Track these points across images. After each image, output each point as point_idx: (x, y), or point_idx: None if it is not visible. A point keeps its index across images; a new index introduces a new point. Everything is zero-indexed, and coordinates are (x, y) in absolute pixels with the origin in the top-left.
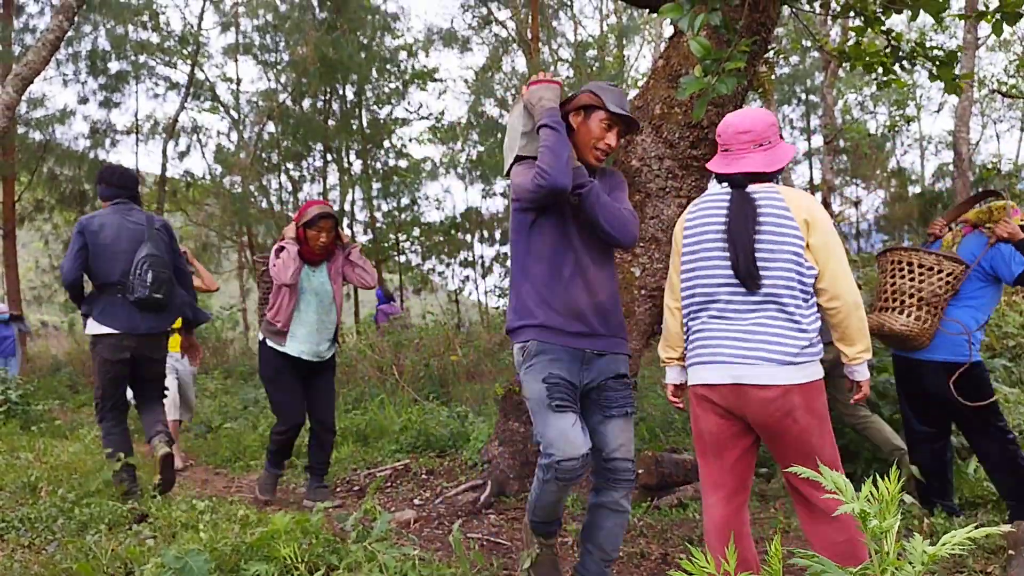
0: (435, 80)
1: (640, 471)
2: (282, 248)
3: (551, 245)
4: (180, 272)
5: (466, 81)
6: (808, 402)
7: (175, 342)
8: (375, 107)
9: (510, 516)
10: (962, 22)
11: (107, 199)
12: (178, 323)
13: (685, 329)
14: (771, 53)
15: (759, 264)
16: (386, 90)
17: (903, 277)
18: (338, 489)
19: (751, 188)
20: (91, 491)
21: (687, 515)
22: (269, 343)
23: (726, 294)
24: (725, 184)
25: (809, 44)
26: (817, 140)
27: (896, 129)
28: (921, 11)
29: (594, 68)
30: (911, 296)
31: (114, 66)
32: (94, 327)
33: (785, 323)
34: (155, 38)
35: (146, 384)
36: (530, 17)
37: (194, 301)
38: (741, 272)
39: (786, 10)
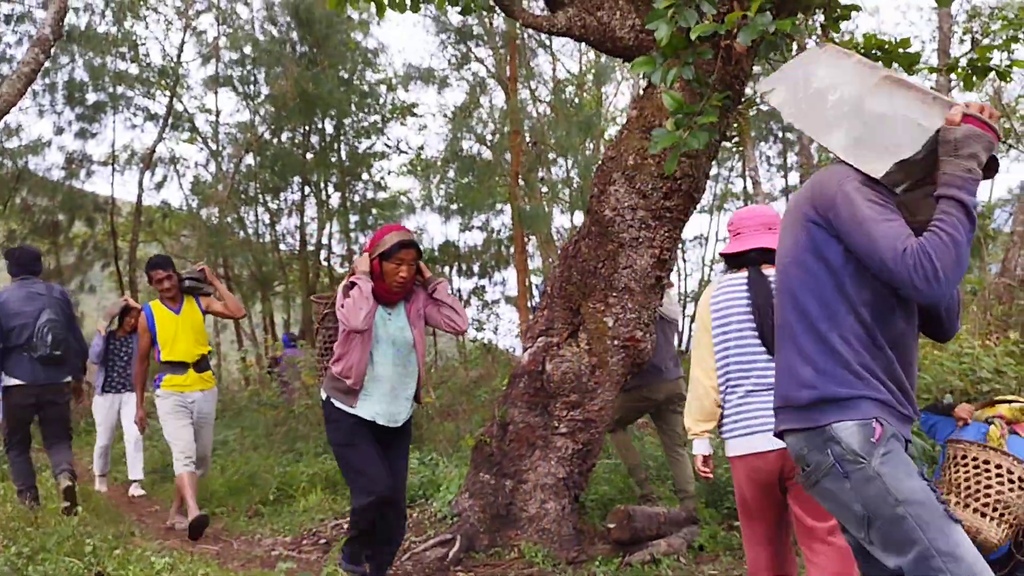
0: (414, 115)
1: (611, 526)
2: (353, 285)
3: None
4: (75, 332)
5: (445, 115)
6: None
7: (195, 379)
8: (354, 141)
9: (479, 573)
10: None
11: (14, 276)
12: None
13: (722, 403)
14: (747, 105)
15: None
16: (365, 124)
17: (1001, 484)
18: (304, 541)
19: (765, 270)
20: (46, 547)
21: (659, 571)
22: (336, 403)
23: (761, 367)
24: (735, 270)
25: None
26: (793, 178)
27: None
28: (895, 63)
29: (571, 107)
30: (1006, 508)
31: (91, 97)
32: (6, 380)
33: None
34: (134, 69)
35: (51, 425)
36: (508, 56)
37: (84, 354)
38: (771, 344)
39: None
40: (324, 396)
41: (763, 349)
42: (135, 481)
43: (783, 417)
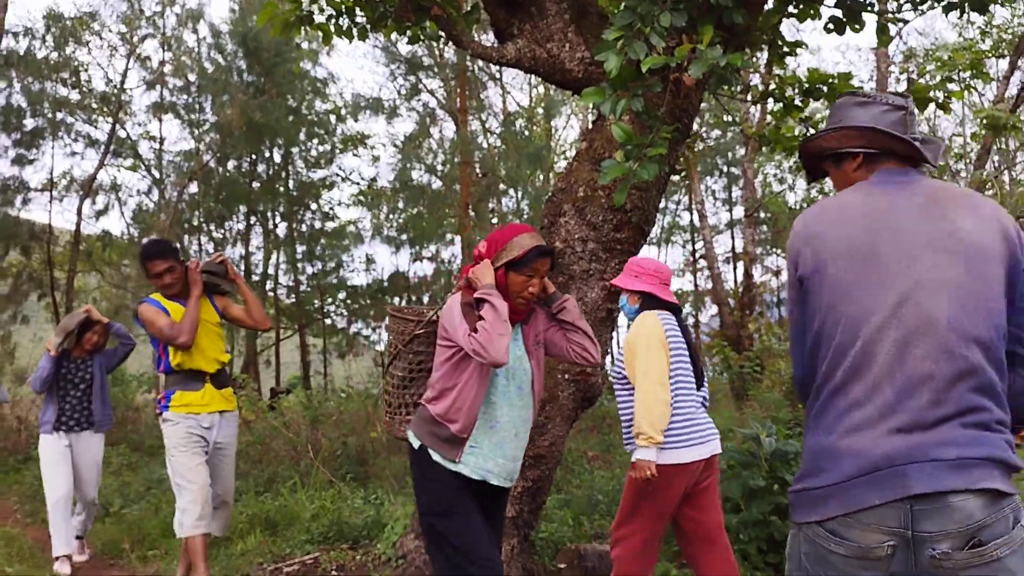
0: (366, 146)
1: (562, 566)
2: (481, 302)
3: None
4: None
5: (395, 145)
6: None
7: (213, 397)
8: (304, 170)
9: None
10: None
11: None
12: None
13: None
14: (692, 139)
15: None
16: (314, 153)
17: None
18: None
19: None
20: None
21: None
22: (435, 456)
23: (695, 392)
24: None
25: (729, 119)
26: (739, 211)
27: (813, 204)
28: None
29: (521, 139)
30: None
31: (30, 123)
32: None
33: None
34: (75, 95)
35: None
36: (458, 88)
37: None
38: (701, 375)
39: (709, 95)
40: (416, 444)
41: (694, 379)
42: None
43: (988, 473)
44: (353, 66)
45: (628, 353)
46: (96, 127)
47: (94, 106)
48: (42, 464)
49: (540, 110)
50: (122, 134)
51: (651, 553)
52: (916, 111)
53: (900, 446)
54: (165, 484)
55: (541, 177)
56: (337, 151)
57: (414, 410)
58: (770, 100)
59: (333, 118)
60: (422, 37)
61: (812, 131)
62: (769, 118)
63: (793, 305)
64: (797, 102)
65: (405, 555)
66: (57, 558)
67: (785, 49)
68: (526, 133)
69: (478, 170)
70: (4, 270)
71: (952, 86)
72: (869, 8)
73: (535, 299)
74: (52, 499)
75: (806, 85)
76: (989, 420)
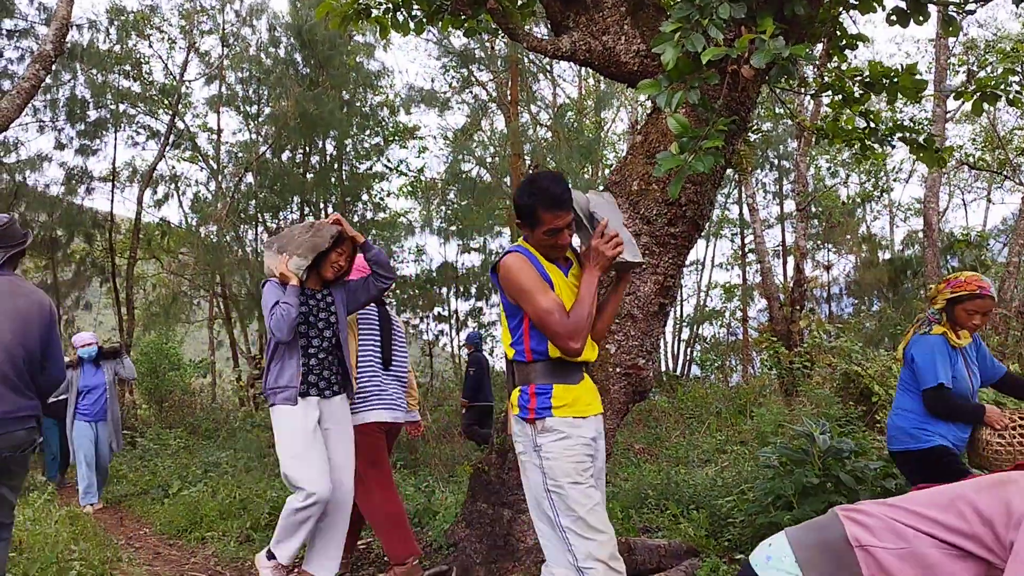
0: (416, 138)
1: None
2: None
3: None
4: None
5: (446, 138)
6: None
7: (590, 393)
8: (355, 161)
9: None
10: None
11: None
12: None
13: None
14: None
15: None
16: (366, 145)
17: None
18: (295, 571)
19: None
20: (30, 574)
21: None
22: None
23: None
24: None
25: (781, 112)
26: (790, 205)
27: (868, 198)
28: (899, 92)
29: (571, 130)
30: None
31: (93, 114)
32: None
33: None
34: (137, 87)
35: None
36: (510, 80)
37: None
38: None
39: (764, 88)
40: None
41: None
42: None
43: None
44: (405, 59)
45: None
46: (156, 119)
47: (155, 98)
48: (284, 451)
49: (590, 103)
50: (181, 126)
51: (393, 487)
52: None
53: None
54: (222, 467)
55: (590, 170)
56: (389, 142)
57: None
58: (828, 93)
59: (385, 110)
60: (477, 30)
61: (873, 124)
62: (825, 110)
63: None
64: (858, 96)
65: (456, 542)
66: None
67: (845, 42)
68: (576, 126)
69: (528, 162)
70: (68, 257)
71: (1015, 79)
72: None
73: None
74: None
75: (867, 79)
76: None
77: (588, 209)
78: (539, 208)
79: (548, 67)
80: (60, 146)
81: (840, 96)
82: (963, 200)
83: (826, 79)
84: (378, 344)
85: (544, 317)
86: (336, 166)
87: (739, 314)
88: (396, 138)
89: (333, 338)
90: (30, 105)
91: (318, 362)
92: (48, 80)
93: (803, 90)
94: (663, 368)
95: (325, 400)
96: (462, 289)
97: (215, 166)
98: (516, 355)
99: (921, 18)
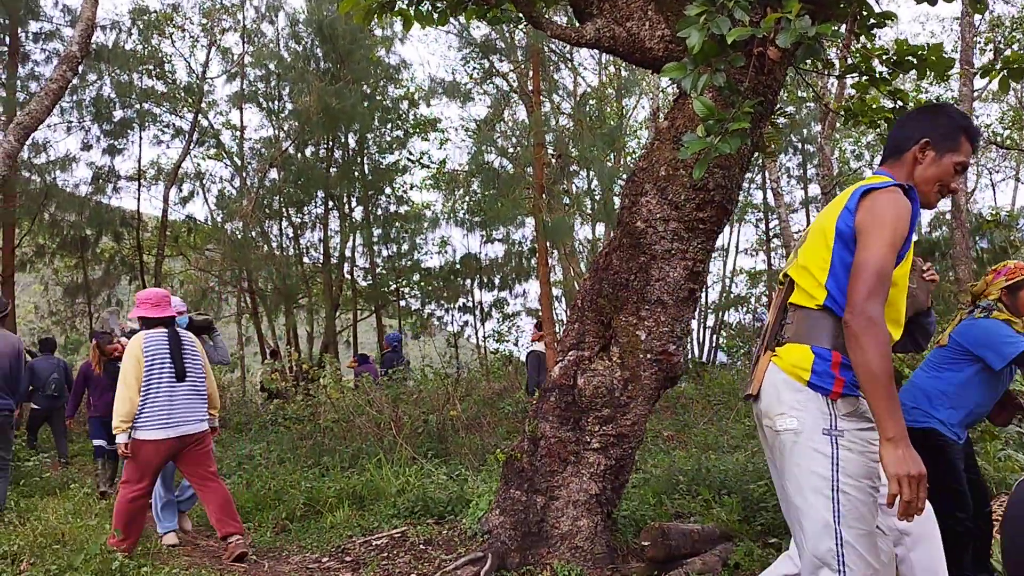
0: (437, 130)
1: (645, 544)
2: None
3: None
4: None
5: (467, 130)
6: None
7: None
8: (377, 155)
9: None
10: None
11: None
12: None
13: (143, 407)
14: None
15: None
16: (388, 139)
17: None
18: (326, 559)
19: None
20: (74, 565)
21: None
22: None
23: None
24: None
25: (805, 95)
26: (814, 189)
27: None
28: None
29: (593, 118)
30: None
31: (119, 113)
32: None
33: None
34: (160, 86)
35: None
36: (531, 70)
37: None
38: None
39: (790, 71)
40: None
41: (177, 378)
42: None
43: None
44: (426, 52)
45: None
46: (181, 117)
47: (178, 96)
48: None
49: (611, 90)
50: (205, 124)
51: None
52: None
53: None
54: (256, 460)
55: (612, 157)
56: (411, 135)
57: None
58: (854, 74)
59: (405, 103)
60: (501, 19)
61: (903, 104)
62: (849, 92)
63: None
64: (886, 75)
65: (490, 531)
66: None
67: (873, 20)
68: (597, 114)
69: (551, 152)
70: (97, 256)
71: None
72: None
73: None
74: None
75: (894, 57)
76: None
77: None
78: (966, 134)
79: (568, 55)
80: (87, 146)
81: (866, 77)
82: (991, 180)
83: (851, 60)
84: (167, 361)
85: (875, 273)
86: (359, 160)
87: (764, 300)
88: (417, 131)
89: None
90: (57, 106)
91: None
92: (75, 81)
93: (828, 71)
94: (690, 355)
95: None
96: (486, 280)
97: (239, 162)
98: (827, 301)
99: None
